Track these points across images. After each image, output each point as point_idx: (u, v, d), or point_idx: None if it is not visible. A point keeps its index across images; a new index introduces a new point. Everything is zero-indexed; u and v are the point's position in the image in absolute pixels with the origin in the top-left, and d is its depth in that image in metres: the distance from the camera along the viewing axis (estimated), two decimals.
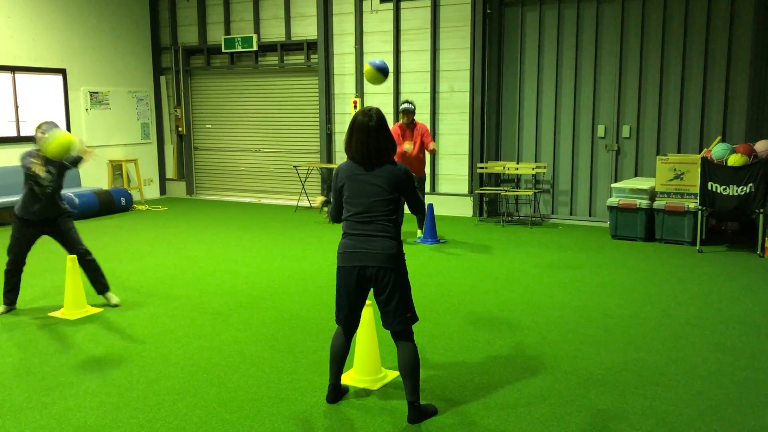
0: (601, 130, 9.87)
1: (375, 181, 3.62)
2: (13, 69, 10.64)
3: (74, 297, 5.68)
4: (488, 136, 10.45)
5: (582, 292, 6.27)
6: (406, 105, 8.41)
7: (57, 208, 5.66)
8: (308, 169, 11.85)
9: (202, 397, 4.03)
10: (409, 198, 3.75)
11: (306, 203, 11.92)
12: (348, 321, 3.82)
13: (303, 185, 11.82)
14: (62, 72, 11.35)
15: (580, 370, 4.41)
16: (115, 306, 5.88)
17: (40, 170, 5.32)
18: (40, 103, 11.18)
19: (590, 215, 10.13)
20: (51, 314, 5.67)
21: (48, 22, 11.09)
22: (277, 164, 12.51)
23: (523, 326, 5.31)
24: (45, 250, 7.75)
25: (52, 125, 5.31)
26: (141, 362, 4.60)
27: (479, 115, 10.32)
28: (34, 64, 10.92)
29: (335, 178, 3.76)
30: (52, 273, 7.14)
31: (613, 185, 8.92)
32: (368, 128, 3.60)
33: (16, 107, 10.74)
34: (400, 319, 3.66)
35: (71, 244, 5.75)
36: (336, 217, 3.82)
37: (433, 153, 8.83)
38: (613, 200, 8.76)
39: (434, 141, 9.80)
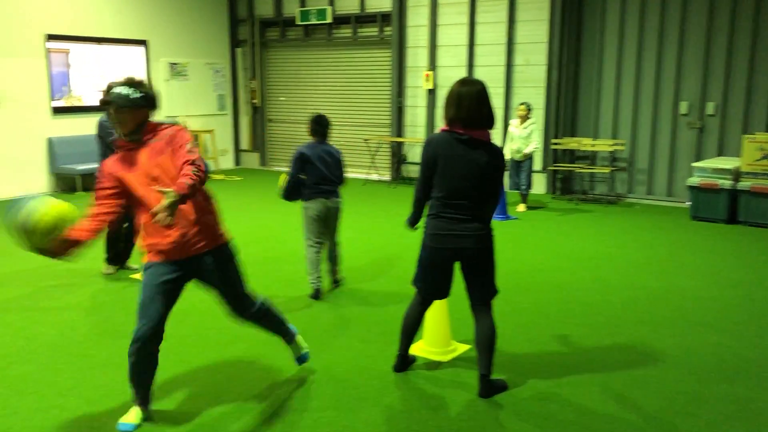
0: (684, 107, 9.47)
1: (475, 162, 3.48)
2: (98, 40, 11.04)
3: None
4: (564, 111, 10.20)
5: (658, 274, 6.08)
6: None
7: None
8: (378, 143, 11.87)
9: (274, 361, 4.14)
10: (497, 184, 3.59)
11: (375, 177, 11.97)
12: (436, 297, 3.83)
13: (373, 159, 11.86)
14: (144, 43, 11.70)
15: (657, 353, 4.29)
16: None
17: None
18: (123, 73, 11.57)
19: (669, 195, 9.78)
20: (133, 276, 5.92)
21: None
22: (348, 137, 12.58)
23: (596, 306, 5.21)
24: None
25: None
26: (216, 324, 4.74)
27: (555, 90, 10.07)
28: (118, 36, 11.30)
29: (426, 150, 3.58)
30: None
31: (694, 164, 8.58)
32: (480, 94, 3.50)
33: (101, 77, 11.15)
34: (487, 294, 3.68)
35: None
36: (420, 192, 3.67)
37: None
38: (694, 180, 8.42)
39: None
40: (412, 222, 3.88)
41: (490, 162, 3.52)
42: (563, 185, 10.44)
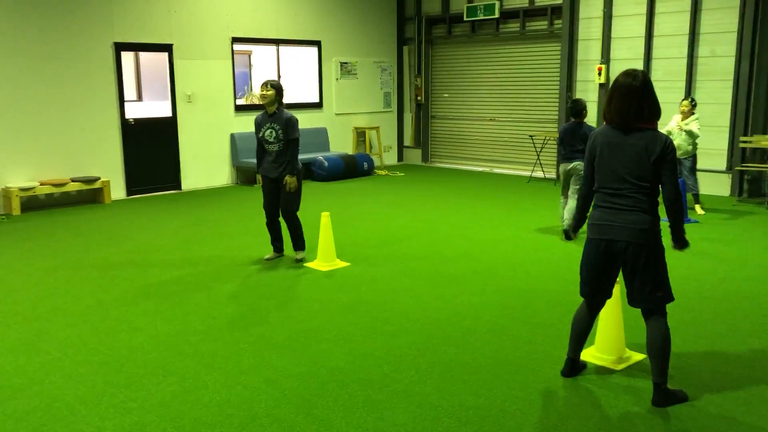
0: None
1: (631, 148, 3.37)
2: (277, 42, 11.74)
3: (326, 251, 6.19)
4: (755, 107, 9.30)
5: None
6: None
7: (279, 168, 6.12)
8: (544, 139, 11.56)
9: (442, 355, 4.17)
10: (666, 175, 3.36)
11: (540, 174, 11.67)
12: (592, 295, 3.66)
13: (538, 155, 11.57)
14: (317, 44, 12.27)
15: None
16: (300, 261, 6.29)
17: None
18: (298, 72, 12.23)
19: None
20: (306, 264, 6.24)
21: None
22: (512, 133, 12.37)
23: None
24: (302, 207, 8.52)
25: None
26: (384, 316, 4.87)
27: (746, 83, 9.21)
28: (295, 37, 11.94)
29: (590, 142, 3.57)
30: (307, 228, 7.83)
31: None
32: (631, 88, 3.36)
33: (279, 77, 11.85)
34: (647, 296, 3.44)
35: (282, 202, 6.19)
36: (585, 187, 3.62)
37: None
38: None
39: None
40: (574, 227, 3.79)
41: (649, 147, 3.32)
42: (751, 187, 9.54)
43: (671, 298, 3.49)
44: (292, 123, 6.04)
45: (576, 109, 6.88)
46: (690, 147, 8.10)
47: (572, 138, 6.85)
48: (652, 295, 3.44)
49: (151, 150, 10.35)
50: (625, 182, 3.40)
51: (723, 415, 3.39)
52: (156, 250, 6.86)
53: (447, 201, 9.50)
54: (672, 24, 9.86)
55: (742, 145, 9.31)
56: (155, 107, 11.58)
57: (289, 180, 6.07)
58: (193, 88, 10.69)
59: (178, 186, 10.68)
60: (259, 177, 6.12)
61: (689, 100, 8.13)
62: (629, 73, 3.42)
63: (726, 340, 4.37)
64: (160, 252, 6.79)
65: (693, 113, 8.10)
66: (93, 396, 3.68)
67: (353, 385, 3.76)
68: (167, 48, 10.32)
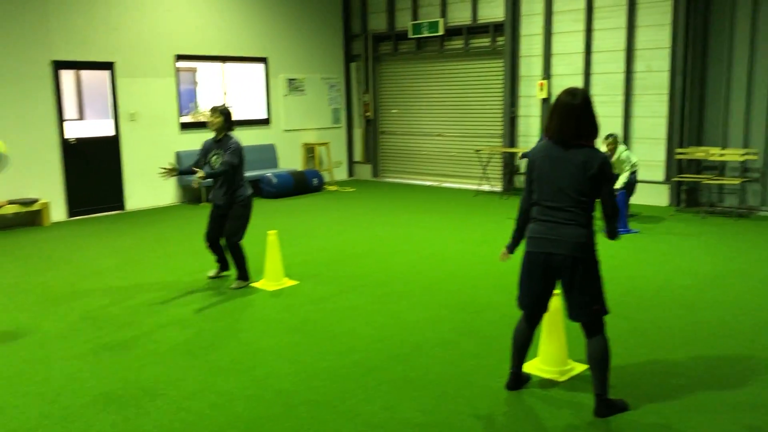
0: None
1: (570, 164, 3.46)
2: (222, 59, 11.65)
3: (273, 270, 6.13)
4: (690, 119, 9.65)
5: None
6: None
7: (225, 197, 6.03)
8: (490, 154, 11.74)
9: (389, 372, 4.17)
10: (604, 190, 3.47)
11: (487, 188, 11.84)
12: (530, 308, 3.73)
13: (485, 169, 11.74)
14: (264, 60, 12.22)
15: None
16: (236, 288, 6.10)
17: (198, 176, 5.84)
18: (244, 89, 12.15)
19: None
20: (253, 285, 6.17)
21: (253, 14, 11.98)
22: (460, 148, 12.53)
23: (726, 327, 4.87)
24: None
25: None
26: (331, 334, 4.85)
27: (680, 96, 9.56)
28: (240, 54, 11.87)
29: (529, 158, 3.65)
30: (255, 246, 7.75)
31: None
32: (571, 107, 3.45)
33: (224, 93, 11.75)
34: (585, 311, 3.52)
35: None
36: (525, 202, 3.69)
37: None
38: None
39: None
40: (510, 246, 3.87)
41: (587, 163, 3.42)
42: (688, 197, 9.87)
43: (606, 311, 3.57)
44: (232, 148, 5.92)
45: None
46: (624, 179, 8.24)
47: None
48: (589, 309, 3.52)
49: (94, 170, 10.11)
50: (563, 196, 3.48)
51: (661, 423, 3.48)
52: (97, 273, 6.68)
53: (397, 216, 9.55)
54: (609, 40, 10.18)
55: (678, 156, 9.64)
56: (97, 126, 11.32)
57: (200, 176, 5.79)
58: (137, 106, 10.51)
59: (121, 206, 10.45)
60: (195, 177, 5.94)
61: (608, 138, 8.27)
62: (570, 92, 3.51)
63: (664, 348, 4.50)
64: (101, 275, 6.63)
65: (616, 148, 8.25)
66: (26, 430, 3.55)
67: (300, 407, 3.73)
68: (108, 66, 10.12)
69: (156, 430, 3.49)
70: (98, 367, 4.34)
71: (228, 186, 6.00)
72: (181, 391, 3.96)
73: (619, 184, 8.13)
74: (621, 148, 8.26)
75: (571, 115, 3.45)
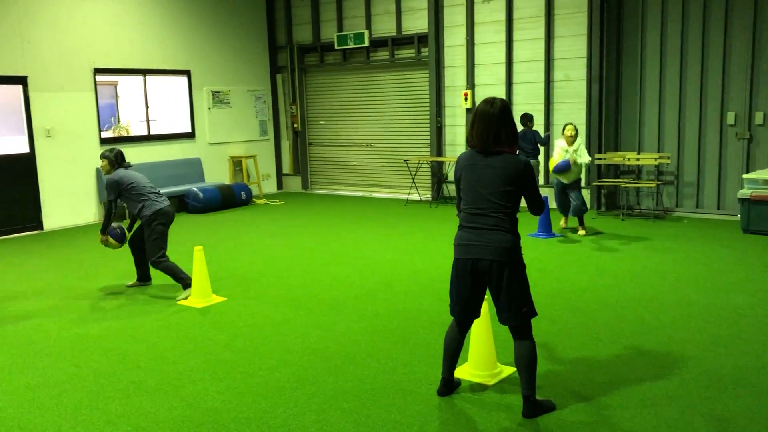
0: (731, 118, 9.23)
1: (492, 171, 3.54)
2: (143, 72, 11.36)
3: (200, 286, 6.00)
4: (607, 126, 10.04)
5: (711, 290, 5.89)
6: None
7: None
8: (418, 163, 11.87)
9: (321, 385, 4.13)
10: (528, 194, 3.62)
11: (416, 197, 11.96)
12: (462, 314, 3.78)
13: (413, 179, 11.86)
14: (187, 73, 11.99)
15: (711, 372, 4.14)
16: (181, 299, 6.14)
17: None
18: (167, 102, 11.88)
19: (719, 208, 9.51)
20: (180, 301, 6.01)
21: (175, 26, 11.74)
22: (388, 158, 12.62)
23: (646, 325, 5.07)
24: (175, 242, 8.21)
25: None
26: (262, 350, 4.77)
27: (597, 104, 9.93)
28: (162, 66, 11.61)
29: (455, 167, 3.73)
30: (181, 263, 7.56)
31: (744, 176, 8.33)
32: (489, 115, 3.55)
33: (147, 107, 11.46)
34: (514, 314, 3.59)
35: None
36: (458, 210, 3.78)
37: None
38: (744, 192, 8.17)
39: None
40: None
41: (508, 169, 3.51)
42: (608, 201, 10.26)
43: (534, 314, 3.66)
44: (106, 184, 6.21)
45: (524, 119, 9.29)
46: (578, 173, 8.30)
47: (522, 140, 9.16)
48: (518, 312, 3.60)
49: (8, 189, 9.65)
50: (487, 203, 3.56)
51: (587, 421, 3.58)
52: (13, 297, 6.37)
53: (327, 227, 9.51)
54: (529, 51, 10.49)
55: (597, 162, 10.00)
56: (10, 143, 10.81)
57: (101, 237, 6.32)
58: (53, 122, 10.11)
59: (39, 226, 10.01)
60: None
61: (573, 125, 8.29)
62: (488, 101, 3.61)
63: (589, 348, 4.64)
64: (17, 299, 6.32)
65: (578, 135, 8.32)
66: None
67: (230, 425, 3.65)
68: (21, 80, 9.71)
69: None
70: (13, 395, 4.13)
71: (132, 211, 6.30)
72: (105, 415, 3.81)
73: (586, 158, 8.25)
74: (580, 141, 8.40)
75: (491, 123, 3.54)
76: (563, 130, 8.36)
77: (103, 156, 6.30)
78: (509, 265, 3.55)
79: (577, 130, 8.36)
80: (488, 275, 3.58)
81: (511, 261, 3.55)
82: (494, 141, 3.55)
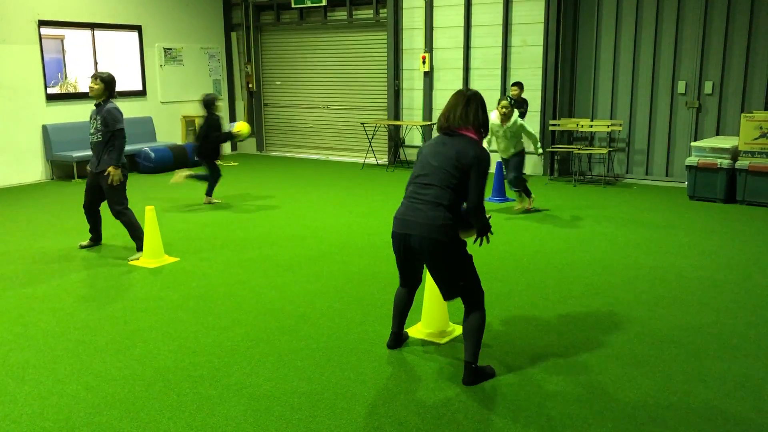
0: (681, 86, 9.43)
1: (448, 149, 3.54)
2: (92, 26, 10.94)
3: (152, 246, 5.90)
4: (561, 92, 10.15)
5: (657, 254, 6.08)
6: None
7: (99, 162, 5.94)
8: (375, 126, 11.82)
9: (275, 344, 4.14)
10: (472, 181, 3.48)
11: (373, 160, 11.93)
12: (403, 282, 3.90)
13: (370, 142, 11.82)
14: (138, 29, 11.60)
15: (655, 332, 4.30)
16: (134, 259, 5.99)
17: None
18: (117, 59, 11.50)
19: (667, 175, 9.76)
20: (131, 262, 5.91)
21: None
22: (345, 121, 12.53)
23: (595, 286, 5.21)
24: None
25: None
26: (216, 310, 4.75)
27: (552, 71, 10.01)
28: (112, 21, 11.20)
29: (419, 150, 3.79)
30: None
31: (692, 144, 8.55)
32: (461, 95, 3.63)
33: (96, 63, 11.07)
34: (447, 289, 3.61)
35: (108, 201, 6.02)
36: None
37: None
38: (692, 159, 8.40)
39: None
40: None
41: (463, 151, 3.49)
42: (561, 167, 10.42)
43: (476, 288, 3.61)
44: (113, 114, 5.83)
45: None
46: (517, 146, 7.61)
47: None
48: (453, 287, 3.58)
49: None
50: (433, 175, 3.53)
51: (534, 378, 3.68)
52: None
53: (283, 190, 9.44)
54: (487, 15, 10.46)
55: (551, 128, 10.12)
56: None
57: (113, 172, 5.83)
58: None
59: None
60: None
61: (508, 99, 7.45)
62: (465, 88, 3.78)
63: (538, 308, 4.75)
64: None
65: (512, 113, 7.48)
66: None
67: (182, 384, 3.63)
68: None
69: (25, 417, 3.29)
70: None
71: (100, 151, 5.90)
72: (53, 374, 3.75)
73: (538, 145, 7.77)
74: (516, 114, 7.83)
75: (459, 102, 3.61)
76: (498, 103, 7.50)
77: (99, 77, 5.84)
78: (440, 243, 3.49)
79: (513, 107, 7.45)
80: (418, 252, 3.59)
81: (440, 238, 3.48)
82: (461, 119, 3.57)
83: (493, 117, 7.53)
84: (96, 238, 6.43)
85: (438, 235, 3.49)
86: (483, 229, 3.63)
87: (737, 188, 8.17)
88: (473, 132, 3.59)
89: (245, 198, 8.84)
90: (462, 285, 3.60)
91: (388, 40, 11.33)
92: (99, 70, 5.95)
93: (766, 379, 3.65)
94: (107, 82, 5.89)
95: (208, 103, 8.12)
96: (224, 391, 3.54)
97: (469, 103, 3.60)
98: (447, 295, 3.65)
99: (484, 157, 3.51)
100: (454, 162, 3.49)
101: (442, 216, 3.49)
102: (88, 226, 6.51)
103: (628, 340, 4.16)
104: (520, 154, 7.71)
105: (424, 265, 3.82)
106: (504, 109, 7.38)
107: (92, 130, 5.93)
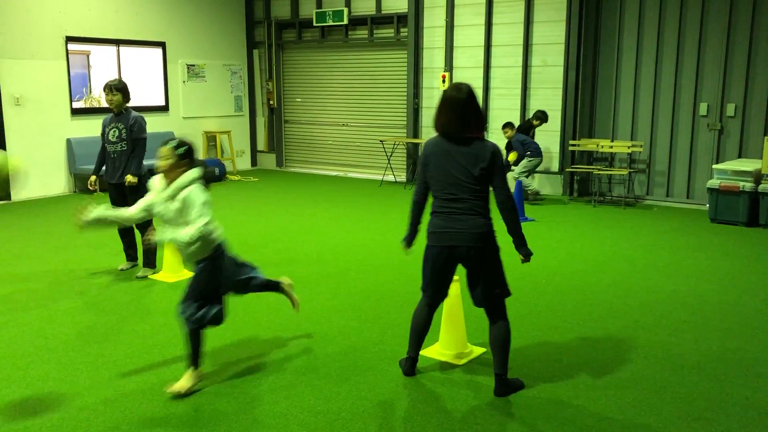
0: (703, 108, 9.37)
1: (462, 156, 3.54)
2: (117, 42, 11.14)
3: (172, 261, 5.95)
4: (582, 113, 10.13)
5: (677, 277, 6.01)
6: None
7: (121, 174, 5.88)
8: (394, 144, 11.86)
9: (292, 362, 4.15)
10: (495, 178, 3.56)
11: (391, 178, 11.96)
12: (433, 297, 3.83)
13: (389, 160, 11.85)
14: (162, 45, 11.79)
15: (675, 357, 4.24)
16: (141, 277, 5.93)
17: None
18: (141, 75, 11.67)
19: (688, 197, 9.67)
20: (151, 276, 5.96)
21: None
22: (364, 138, 12.59)
23: (614, 309, 5.16)
24: None
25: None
26: (234, 326, 4.76)
27: (573, 91, 10.00)
28: (137, 37, 11.39)
29: (422, 153, 3.73)
30: None
31: (714, 166, 8.48)
32: (456, 101, 3.56)
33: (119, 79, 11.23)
34: (490, 296, 3.64)
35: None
36: (418, 194, 3.76)
37: None
38: (713, 182, 8.33)
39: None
40: (407, 239, 3.86)
41: (479, 154, 3.52)
42: (580, 187, 10.37)
43: (509, 293, 3.72)
44: (140, 123, 5.90)
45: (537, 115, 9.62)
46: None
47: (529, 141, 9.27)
48: (492, 294, 3.65)
49: None
50: (459, 188, 3.55)
51: (555, 400, 3.65)
52: None
53: (301, 206, 9.48)
54: (508, 35, 10.49)
55: (571, 148, 10.09)
56: None
57: (131, 179, 5.80)
58: (22, 90, 9.88)
59: (7, 196, 9.81)
60: (92, 180, 5.89)
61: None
62: (455, 87, 3.63)
63: (558, 330, 4.71)
64: None
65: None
66: None
67: (199, 399, 3.64)
68: None
69: (45, 430, 3.32)
70: None
71: (122, 161, 5.88)
72: (72, 387, 3.78)
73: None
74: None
75: (457, 108, 3.55)
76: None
77: (114, 88, 5.85)
78: (484, 250, 3.58)
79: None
80: (465, 261, 3.61)
81: (485, 245, 3.58)
82: (462, 126, 3.56)
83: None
84: (133, 257, 6.20)
85: (483, 243, 3.56)
86: (521, 243, 3.68)
87: (760, 212, 8.07)
88: (477, 132, 3.60)
89: (264, 214, 8.89)
90: (497, 293, 3.64)
91: (408, 59, 11.40)
92: (109, 81, 5.95)
93: None
94: (123, 90, 5.89)
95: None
96: (241, 408, 3.55)
97: (466, 109, 3.55)
98: (483, 301, 3.66)
99: (498, 149, 3.61)
100: (478, 170, 3.51)
101: (483, 223, 3.56)
102: (107, 238, 6.51)
103: (648, 365, 4.12)
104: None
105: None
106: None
107: (113, 139, 5.84)
